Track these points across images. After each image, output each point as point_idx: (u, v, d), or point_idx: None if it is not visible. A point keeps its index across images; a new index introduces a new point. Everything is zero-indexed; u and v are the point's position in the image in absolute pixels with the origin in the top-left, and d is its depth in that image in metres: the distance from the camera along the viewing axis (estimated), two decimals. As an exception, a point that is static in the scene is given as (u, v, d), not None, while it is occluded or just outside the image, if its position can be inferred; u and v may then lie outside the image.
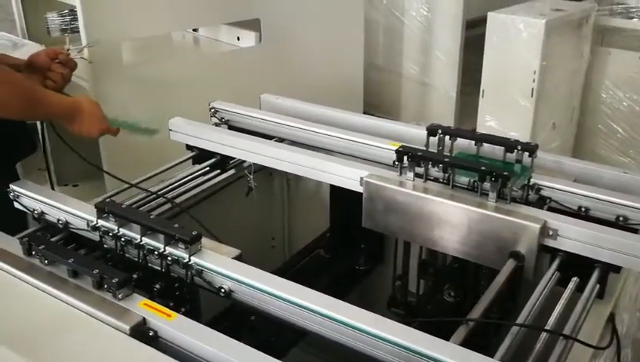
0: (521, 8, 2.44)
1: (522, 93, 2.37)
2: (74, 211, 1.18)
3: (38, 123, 2.54)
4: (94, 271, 0.97)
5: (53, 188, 1.64)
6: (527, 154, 1.26)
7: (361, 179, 1.30)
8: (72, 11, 2.30)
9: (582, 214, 1.23)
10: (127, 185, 1.40)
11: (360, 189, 1.31)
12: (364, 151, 1.48)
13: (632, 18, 2.65)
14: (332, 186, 1.56)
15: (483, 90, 2.48)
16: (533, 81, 2.33)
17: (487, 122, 2.50)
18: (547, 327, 0.99)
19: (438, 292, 1.45)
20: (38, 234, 1.19)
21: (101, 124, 1.47)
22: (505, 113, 2.45)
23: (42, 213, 1.24)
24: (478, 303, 1.05)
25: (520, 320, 1.00)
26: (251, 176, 1.57)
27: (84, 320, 0.93)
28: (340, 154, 1.49)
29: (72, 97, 1.48)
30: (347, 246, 1.66)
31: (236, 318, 1.23)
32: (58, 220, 1.21)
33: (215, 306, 1.18)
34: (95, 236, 1.15)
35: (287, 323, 0.99)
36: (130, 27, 2.07)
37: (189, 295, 1.09)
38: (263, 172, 1.67)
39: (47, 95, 1.41)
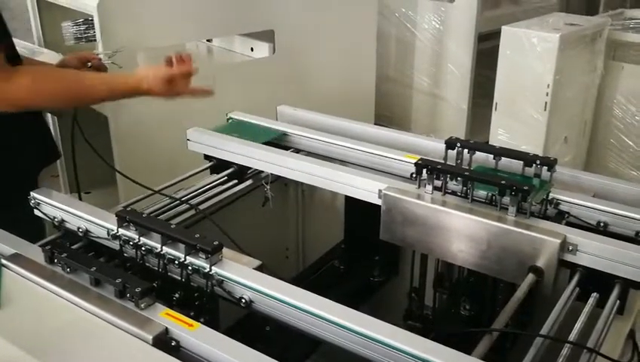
0: (535, 22, 2.44)
1: (535, 107, 2.37)
2: (95, 219, 1.19)
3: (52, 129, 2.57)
4: (117, 280, 0.97)
5: (80, 197, 1.63)
6: (545, 168, 1.26)
7: (380, 191, 1.30)
8: (87, 20, 2.33)
9: (600, 229, 1.23)
10: (146, 194, 1.40)
11: (377, 201, 1.32)
12: (380, 163, 1.49)
13: (645, 33, 2.66)
14: (347, 197, 1.56)
15: (496, 103, 2.49)
16: (547, 94, 2.33)
17: (499, 135, 2.51)
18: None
19: (454, 305, 1.44)
20: (60, 242, 1.20)
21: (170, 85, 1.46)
22: (517, 126, 2.45)
23: (62, 220, 1.25)
24: (499, 317, 1.05)
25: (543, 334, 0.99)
26: (268, 187, 1.58)
27: (106, 329, 0.93)
28: (356, 166, 1.50)
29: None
30: (362, 258, 1.66)
31: (252, 328, 1.23)
32: (78, 228, 1.22)
33: (230, 316, 1.18)
34: (115, 245, 1.16)
35: (304, 333, 0.99)
36: (145, 37, 2.08)
37: (209, 305, 1.09)
38: (278, 182, 1.67)
39: (94, 81, 1.43)
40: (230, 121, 1.69)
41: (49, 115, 2.24)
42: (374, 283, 1.66)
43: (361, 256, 1.66)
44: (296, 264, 1.85)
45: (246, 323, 1.22)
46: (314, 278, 1.63)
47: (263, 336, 1.24)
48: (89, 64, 1.57)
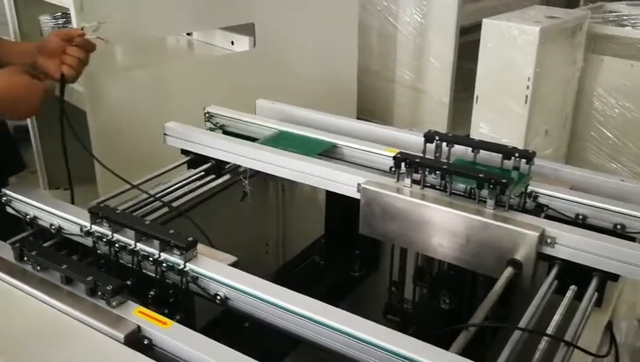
0: (516, 15, 2.44)
1: (516, 100, 2.38)
2: (67, 216, 1.17)
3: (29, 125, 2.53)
4: (88, 278, 0.95)
5: (72, 195, 1.53)
6: (524, 161, 1.26)
7: (358, 185, 1.29)
8: (65, 14, 2.29)
9: (579, 222, 1.23)
10: (122, 189, 1.38)
11: (357, 195, 1.30)
12: (359, 156, 1.48)
13: (624, 26, 2.67)
14: (328, 192, 1.55)
15: (477, 97, 2.48)
16: (527, 87, 2.34)
17: (480, 129, 2.51)
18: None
19: (434, 299, 1.44)
20: (30, 239, 1.17)
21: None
22: (498, 119, 2.45)
23: (35, 217, 1.22)
24: (477, 311, 1.04)
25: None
26: (246, 181, 1.56)
27: (77, 328, 0.91)
28: (336, 160, 1.49)
29: None
30: (342, 253, 1.65)
31: (230, 325, 1.21)
32: (51, 225, 1.19)
33: (208, 313, 1.17)
34: (88, 241, 1.14)
35: (282, 331, 0.98)
36: (123, 31, 2.05)
37: (184, 302, 1.07)
38: (258, 177, 1.65)
39: None
40: (280, 133, 1.57)
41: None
42: (355, 277, 1.65)
43: (342, 250, 1.65)
44: (276, 259, 1.83)
45: (224, 320, 1.21)
46: (294, 273, 1.62)
47: (241, 334, 1.23)
48: (74, 42, 1.42)
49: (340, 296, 1.58)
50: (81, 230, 1.14)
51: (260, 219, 1.77)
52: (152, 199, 1.37)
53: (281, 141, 1.53)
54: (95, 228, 1.12)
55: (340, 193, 1.34)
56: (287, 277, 1.61)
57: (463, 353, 0.93)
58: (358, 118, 2.83)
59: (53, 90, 1.39)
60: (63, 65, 1.39)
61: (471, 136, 2.39)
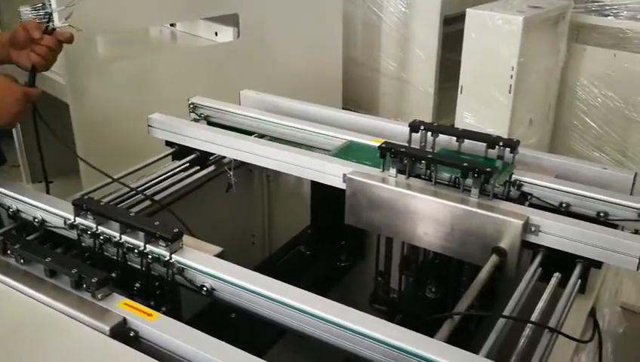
0: (499, 5, 2.44)
1: (500, 90, 2.38)
2: (50, 209, 1.16)
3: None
4: (72, 271, 0.95)
5: (47, 189, 1.52)
6: (508, 150, 1.26)
7: (344, 175, 1.29)
8: (45, 5, 2.26)
9: (563, 210, 1.24)
10: (105, 182, 1.37)
11: (342, 186, 1.31)
12: (345, 147, 1.47)
13: (607, 15, 2.68)
14: (313, 182, 1.55)
15: (461, 87, 2.48)
16: (511, 77, 2.34)
17: (465, 118, 2.51)
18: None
19: (420, 288, 1.45)
20: (13, 232, 1.16)
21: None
22: (483, 109, 2.45)
23: (17, 210, 1.21)
24: (462, 299, 1.05)
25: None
26: (231, 173, 1.55)
27: (62, 321, 0.90)
28: (321, 150, 1.48)
29: None
30: (328, 243, 1.65)
31: (217, 316, 1.21)
32: (34, 218, 1.18)
33: (195, 304, 1.17)
34: (73, 234, 1.13)
35: (269, 321, 0.98)
36: (106, 21, 2.02)
37: (170, 293, 1.07)
38: (243, 168, 1.65)
39: None
40: (349, 144, 1.46)
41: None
42: (341, 267, 1.65)
43: (328, 240, 1.65)
44: (262, 250, 1.83)
45: (211, 311, 1.21)
46: (280, 264, 1.62)
47: (228, 324, 1.23)
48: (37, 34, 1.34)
49: (326, 286, 1.58)
50: (65, 223, 1.13)
51: (246, 210, 1.77)
52: (137, 191, 1.36)
53: (352, 152, 1.42)
54: (79, 220, 1.11)
55: (326, 183, 1.34)
56: (273, 267, 1.61)
57: (448, 341, 0.94)
58: (343, 109, 2.83)
59: (37, 95, 1.35)
60: (31, 53, 1.35)
61: (456, 126, 2.40)
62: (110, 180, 1.37)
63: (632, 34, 2.57)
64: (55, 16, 1.47)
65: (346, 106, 3.10)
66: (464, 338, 1.11)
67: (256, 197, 1.79)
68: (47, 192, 1.40)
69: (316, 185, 1.45)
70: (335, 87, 2.96)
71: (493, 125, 2.41)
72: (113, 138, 2.08)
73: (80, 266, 0.96)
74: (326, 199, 1.51)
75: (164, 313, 0.96)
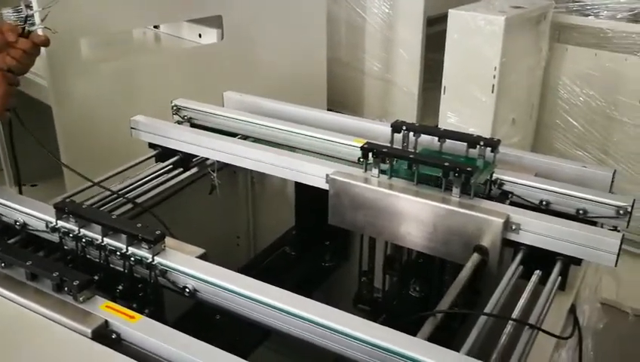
0: (481, 5, 2.46)
1: (483, 90, 2.40)
2: (32, 212, 1.15)
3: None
4: (54, 274, 0.94)
5: (20, 190, 1.53)
6: (489, 149, 1.28)
7: (327, 176, 1.30)
8: (29, 7, 2.24)
9: (543, 208, 1.25)
10: (87, 185, 1.36)
11: (325, 186, 1.31)
12: (329, 148, 1.48)
13: (587, 15, 2.71)
14: (297, 183, 1.55)
15: (444, 87, 2.50)
16: (494, 77, 2.36)
17: (448, 118, 2.52)
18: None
19: (404, 287, 1.46)
20: (-6, 236, 1.16)
21: None
22: (466, 109, 2.47)
23: (-2, 214, 1.20)
24: (444, 298, 1.06)
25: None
26: (214, 174, 1.55)
27: (43, 325, 0.90)
28: (305, 152, 1.49)
29: None
30: (313, 244, 1.66)
31: (201, 318, 1.21)
32: (15, 221, 1.18)
33: (180, 306, 1.17)
34: (55, 237, 1.12)
35: (252, 322, 0.98)
36: (89, 24, 2.02)
37: (153, 295, 1.07)
38: (227, 170, 1.65)
39: None
40: None
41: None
42: (326, 268, 1.66)
43: (313, 241, 1.66)
44: (247, 251, 1.83)
45: (196, 313, 1.21)
46: (265, 265, 1.62)
47: (213, 326, 1.23)
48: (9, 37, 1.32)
49: (311, 286, 1.59)
50: (47, 226, 1.12)
51: (231, 212, 1.77)
52: (117, 195, 1.36)
53: None
54: (61, 223, 1.10)
55: (309, 184, 1.35)
56: (258, 268, 1.62)
57: (431, 339, 0.95)
58: (328, 110, 2.83)
59: (11, 93, 1.34)
60: (7, 57, 1.32)
61: (439, 126, 2.41)
62: (94, 183, 1.36)
63: (612, 33, 2.60)
64: (36, 18, 1.46)
65: (331, 107, 3.11)
66: (448, 336, 1.12)
67: (240, 198, 1.79)
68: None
69: (300, 186, 1.45)
70: (320, 88, 2.97)
71: (476, 125, 2.43)
72: (97, 140, 2.07)
73: (61, 269, 0.96)
74: (310, 200, 1.51)
75: (148, 315, 0.96)
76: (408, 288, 1.44)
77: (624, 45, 2.58)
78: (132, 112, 1.58)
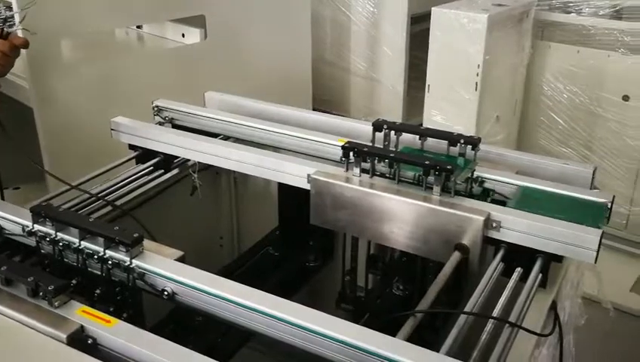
0: (464, 3, 2.46)
1: (466, 88, 2.40)
2: (8, 216, 1.13)
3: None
4: (29, 279, 0.93)
5: (2, 195, 1.51)
6: (470, 147, 1.27)
7: (308, 176, 1.29)
8: (9, 7, 2.22)
9: (524, 205, 1.25)
10: (66, 188, 1.35)
11: (307, 186, 1.30)
12: (311, 147, 1.48)
13: (570, 12, 2.72)
14: (280, 184, 1.55)
15: (428, 85, 2.50)
16: (477, 75, 2.36)
17: (433, 117, 2.53)
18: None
19: (387, 286, 1.45)
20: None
21: None
22: (450, 107, 2.47)
23: (-26, 219, 1.18)
24: (426, 296, 1.06)
25: (466, 310, 1.01)
26: (195, 175, 1.54)
27: (17, 330, 0.89)
28: (288, 152, 1.48)
29: None
30: (296, 244, 1.65)
31: (182, 321, 1.20)
32: (-9, 226, 1.16)
33: (160, 310, 1.16)
34: (31, 241, 1.11)
35: (232, 325, 0.97)
36: (70, 23, 2.00)
37: (132, 299, 1.06)
38: (210, 171, 1.64)
39: None
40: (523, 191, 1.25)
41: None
42: (310, 268, 1.66)
43: (296, 241, 1.65)
44: (230, 252, 1.82)
45: (177, 316, 1.20)
46: (248, 266, 1.61)
47: (194, 329, 1.22)
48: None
49: (294, 286, 1.58)
50: (23, 230, 1.11)
51: (213, 213, 1.76)
52: (97, 197, 1.34)
53: (531, 202, 1.20)
54: (38, 227, 1.09)
55: (291, 184, 1.34)
56: (241, 269, 1.60)
57: (412, 338, 0.95)
58: (314, 109, 2.82)
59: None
60: None
61: (424, 125, 2.42)
62: (74, 186, 1.35)
63: (594, 30, 2.61)
64: (15, 19, 1.45)
65: (317, 106, 3.11)
66: (431, 334, 1.12)
67: (223, 199, 1.78)
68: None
69: (283, 187, 1.45)
70: (305, 87, 2.96)
71: (460, 123, 2.44)
72: (79, 142, 2.05)
73: (37, 274, 0.95)
74: (293, 200, 1.51)
75: (126, 319, 0.95)
76: (392, 287, 1.44)
77: (606, 42, 2.59)
78: (115, 113, 1.56)
